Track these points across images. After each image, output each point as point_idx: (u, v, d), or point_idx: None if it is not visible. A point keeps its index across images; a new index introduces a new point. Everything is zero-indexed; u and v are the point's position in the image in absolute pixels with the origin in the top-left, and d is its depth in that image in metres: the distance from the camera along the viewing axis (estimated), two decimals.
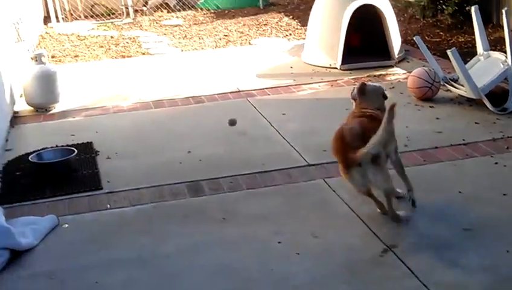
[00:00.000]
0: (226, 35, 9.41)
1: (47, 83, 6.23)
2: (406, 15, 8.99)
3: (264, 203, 4.14)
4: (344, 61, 7.10)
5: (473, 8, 5.98)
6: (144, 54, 8.53)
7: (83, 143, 5.27)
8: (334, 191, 4.20)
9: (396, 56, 7.24)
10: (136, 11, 11.35)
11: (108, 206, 4.21)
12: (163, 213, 4.10)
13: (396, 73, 6.91)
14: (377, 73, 6.91)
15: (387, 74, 6.88)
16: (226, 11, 11.31)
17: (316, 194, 4.21)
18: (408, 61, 7.24)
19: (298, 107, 6.06)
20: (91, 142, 5.29)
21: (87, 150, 5.13)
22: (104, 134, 5.54)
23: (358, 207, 3.94)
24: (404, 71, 6.87)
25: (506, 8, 5.80)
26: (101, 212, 4.16)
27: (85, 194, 4.40)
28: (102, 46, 9.01)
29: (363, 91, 3.97)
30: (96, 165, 4.85)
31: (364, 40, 7.35)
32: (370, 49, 7.24)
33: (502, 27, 5.83)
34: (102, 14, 11.19)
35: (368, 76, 6.82)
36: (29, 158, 4.80)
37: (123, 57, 8.38)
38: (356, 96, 3.99)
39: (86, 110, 6.22)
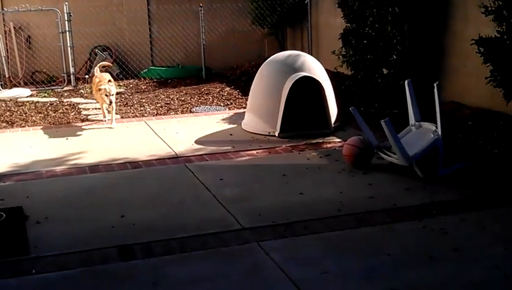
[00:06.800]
0: (167, 103, 9.48)
1: None
2: (343, 87, 9.27)
3: (197, 267, 4.07)
4: (283, 129, 7.23)
5: (406, 82, 6.23)
6: (83, 120, 8.47)
7: (12, 208, 5.10)
8: (267, 254, 4.18)
9: (333, 125, 7.43)
10: (78, 79, 11.34)
11: (34, 271, 4.05)
12: (91, 278, 3.96)
13: (333, 141, 7.07)
14: (314, 141, 7.05)
15: (324, 142, 7.02)
16: (169, 81, 11.44)
17: (249, 257, 4.18)
18: (344, 130, 7.42)
19: (236, 173, 6.08)
20: (21, 207, 5.13)
21: (16, 214, 4.96)
22: (35, 199, 5.39)
23: (291, 270, 3.93)
24: (340, 139, 7.04)
25: (437, 82, 6.07)
26: (26, 277, 3.99)
27: (10, 259, 4.22)
28: (40, 113, 8.91)
29: None
30: (25, 230, 4.69)
31: (302, 109, 7.51)
32: (308, 117, 7.40)
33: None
34: (43, 82, 11.14)
35: (305, 144, 6.95)
36: None
37: (61, 123, 8.29)
38: None
39: (18, 175, 6.07)
